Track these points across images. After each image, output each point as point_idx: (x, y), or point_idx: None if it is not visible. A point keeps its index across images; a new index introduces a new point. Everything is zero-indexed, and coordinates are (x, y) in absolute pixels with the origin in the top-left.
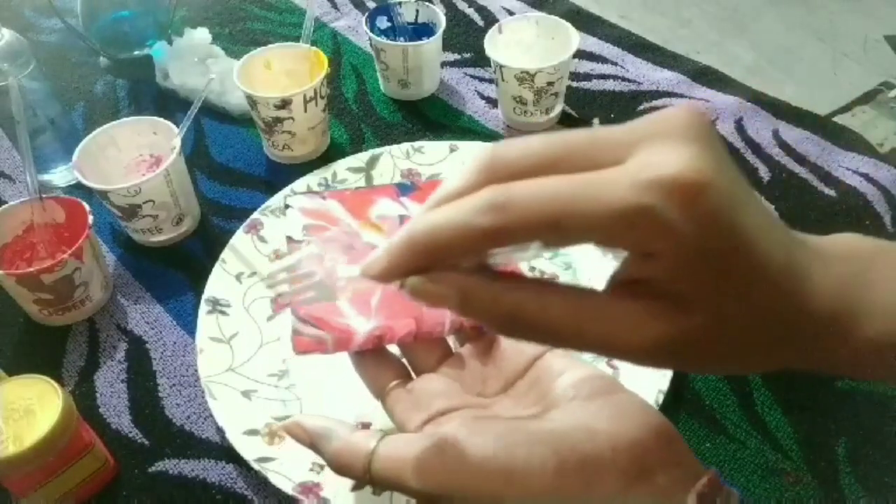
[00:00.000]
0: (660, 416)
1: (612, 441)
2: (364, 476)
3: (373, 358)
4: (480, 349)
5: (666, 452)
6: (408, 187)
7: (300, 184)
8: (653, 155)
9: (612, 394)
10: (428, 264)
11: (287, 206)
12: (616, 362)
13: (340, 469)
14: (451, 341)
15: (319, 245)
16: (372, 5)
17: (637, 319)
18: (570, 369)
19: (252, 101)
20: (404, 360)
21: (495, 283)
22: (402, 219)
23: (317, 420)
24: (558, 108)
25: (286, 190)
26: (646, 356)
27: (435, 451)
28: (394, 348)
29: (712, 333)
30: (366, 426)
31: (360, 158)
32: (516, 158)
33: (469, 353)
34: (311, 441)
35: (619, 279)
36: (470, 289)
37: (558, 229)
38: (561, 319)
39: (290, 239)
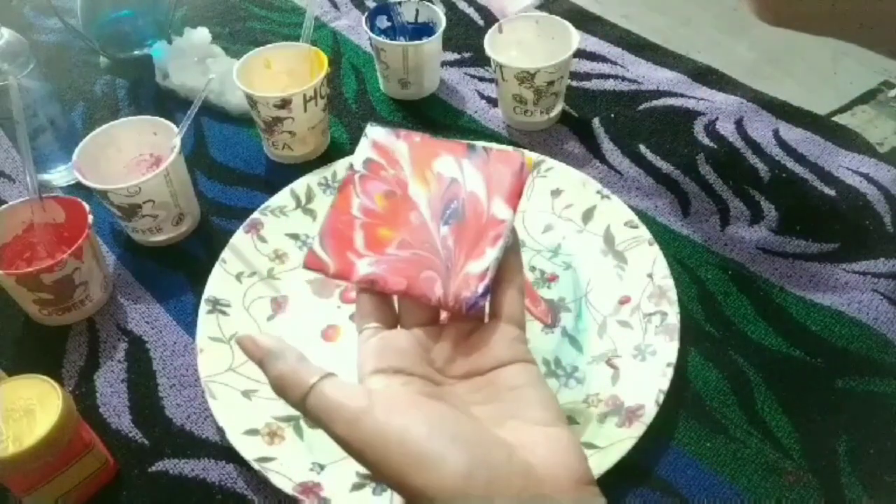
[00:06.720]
0: (584, 465)
1: (527, 471)
2: (299, 405)
3: (374, 297)
4: (460, 330)
5: (574, 501)
6: (477, 152)
7: (300, 183)
8: None
9: (550, 427)
10: None
11: (364, 136)
12: (616, 361)
13: (280, 391)
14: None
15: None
16: (372, 5)
17: None
18: (527, 387)
19: (252, 100)
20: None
21: None
22: (452, 182)
23: (271, 339)
24: (558, 107)
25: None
26: None
27: (367, 409)
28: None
29: None
30: None
31: None
32: None
33: (449, 331)
34: (261, 357)
35: None
36: None
37: None
38: None
39: (351, 167)
